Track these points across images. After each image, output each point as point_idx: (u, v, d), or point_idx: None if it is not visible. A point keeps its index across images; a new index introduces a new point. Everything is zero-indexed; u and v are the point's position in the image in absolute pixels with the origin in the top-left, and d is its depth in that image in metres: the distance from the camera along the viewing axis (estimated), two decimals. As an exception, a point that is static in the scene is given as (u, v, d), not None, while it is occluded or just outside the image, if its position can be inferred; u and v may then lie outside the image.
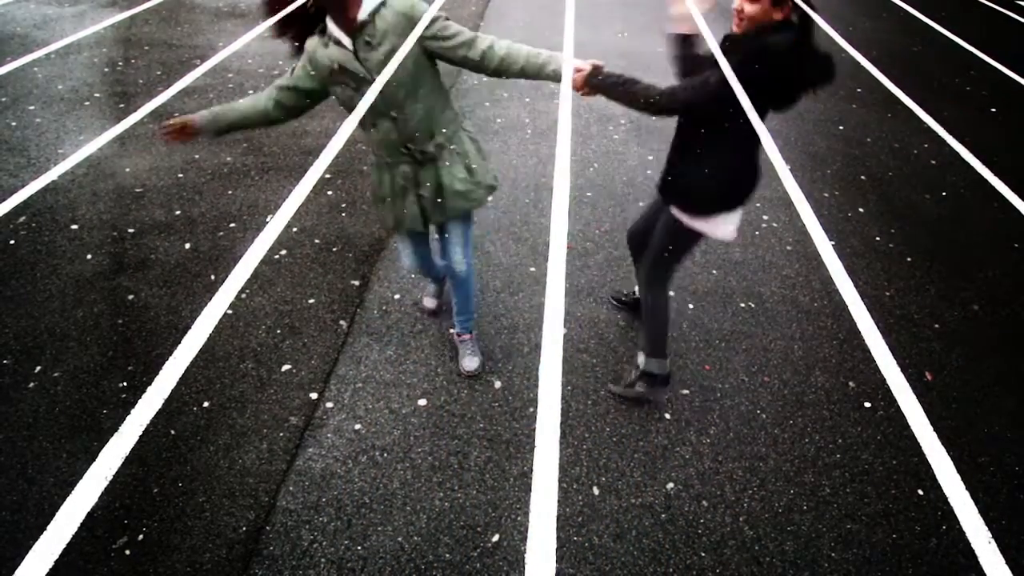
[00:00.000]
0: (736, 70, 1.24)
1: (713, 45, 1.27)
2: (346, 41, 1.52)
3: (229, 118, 1.67)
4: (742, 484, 1.92)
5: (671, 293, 2.61)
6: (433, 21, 1.54)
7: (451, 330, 2.35)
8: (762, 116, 1.50)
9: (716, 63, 1.37)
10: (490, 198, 1.89)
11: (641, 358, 2.04)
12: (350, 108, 1.62)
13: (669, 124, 1.86)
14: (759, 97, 1.39)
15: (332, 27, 1.52)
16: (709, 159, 1.66)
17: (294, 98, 1.66)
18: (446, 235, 1.95)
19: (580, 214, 3.10)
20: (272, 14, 1.46)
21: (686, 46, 1.71)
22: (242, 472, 1.88)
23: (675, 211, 1.79)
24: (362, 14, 1.49)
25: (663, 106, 1.51)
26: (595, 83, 1.55)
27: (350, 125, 0.83)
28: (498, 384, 2.20)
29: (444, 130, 1.73)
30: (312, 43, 1.57)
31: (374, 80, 1.54)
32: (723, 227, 1.76)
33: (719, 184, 1.69)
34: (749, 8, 1.47)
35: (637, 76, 1.55)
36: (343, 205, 3.13)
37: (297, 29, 1.56)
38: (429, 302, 2.47)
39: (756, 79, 1.36)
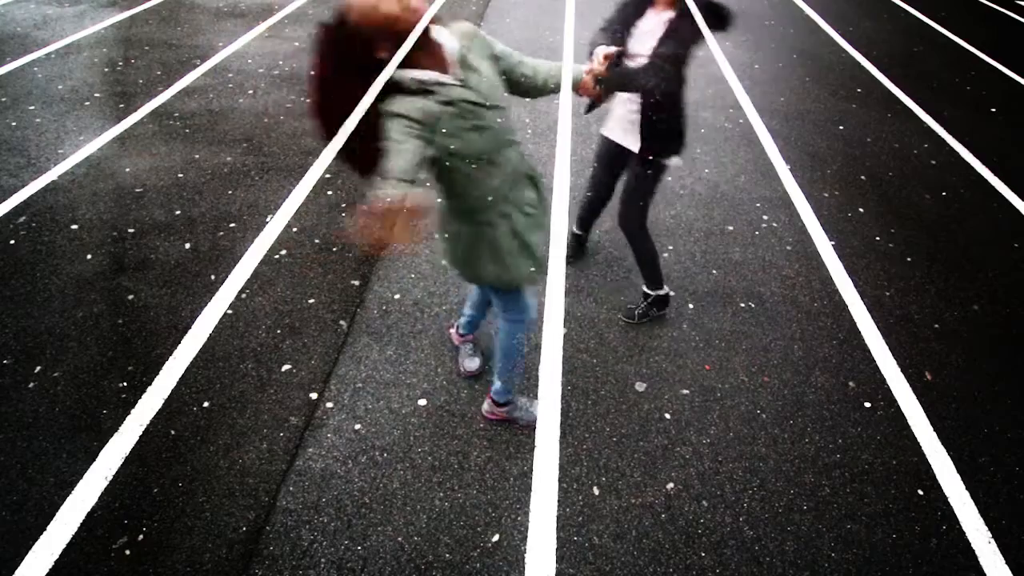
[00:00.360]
0: (689, 33, 1.84)
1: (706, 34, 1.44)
2: (448, 79, 1.32)
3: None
4: (742, 484, 1.92)
5: (671, 293, 2.62)
6: (492, 41, 1.47)
7: (451, 331, 2.35)
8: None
9: (642, 33, 1.95)
10: None
11: (646, 290, 2.47)
12: (481, 150, 1.41)
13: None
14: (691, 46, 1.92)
15: (424, 75, 1.30)
16: (674, 111, 2.09)
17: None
18: None
19: (580, 214, 3.10)
20: (331, 127, 1.17)
21: (618, 70, 1.93)
22: (242, 472, 1.88)
23: (642, 155, 2.15)
24: (452, 46, 1.35)
25: (663, 81, 1.87)
26: (603, 86, 1.66)
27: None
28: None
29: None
30: (407, 104, 1.28)
31: (497, 105, 1.40)
32: (677, 159, 2.21)
33: (681, 127, 2.14)
34: None
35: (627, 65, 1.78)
36: (343, 205, 3.13)
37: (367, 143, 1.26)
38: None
39: (694, 32, 1.83)
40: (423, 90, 1.31)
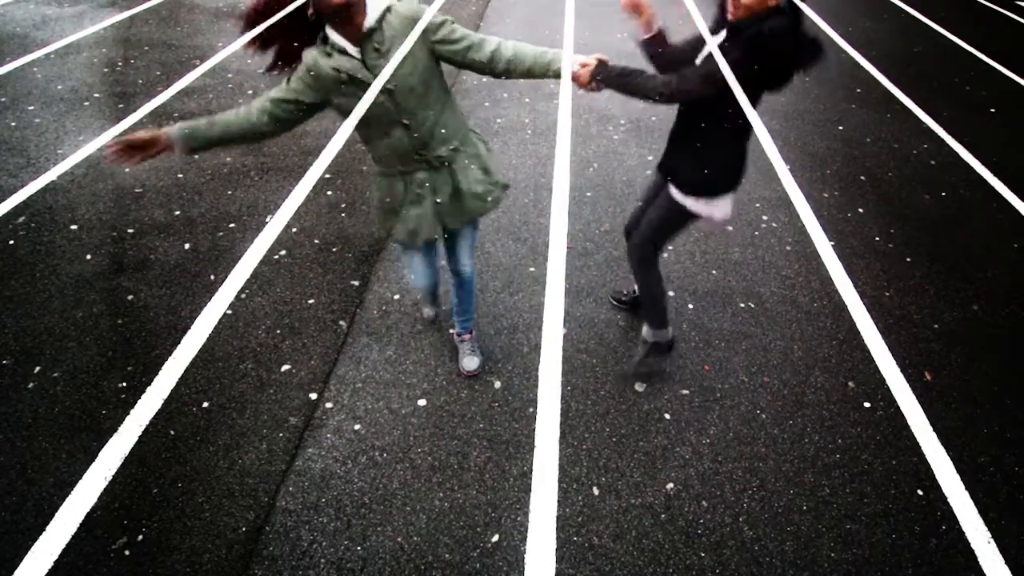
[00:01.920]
0: (742, 57, 1.40)
1: (704, 32, 1.32)
2: (352, 50, 1.47)
3: (210, 134, 1.53)
4: (742, 484, 1.92)
5: (671, 293, 2.62)
6: (441, 24, 1.52)
7: (451, 330, 2.35)
8: (758, 100, 1.61)
9: (704, 52, 1.55)
10: (499, 196, 1.86)
11: (647, 331, 2.17)
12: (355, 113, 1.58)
13: (668, 123, 1.87)
14: (758, 82, 1.54)
15: (335, 36, 1.46)
16: (710, 143, 1.73)
17: (291, 111, 1.56)
18: (456, 239, 1.93)
19: (580, 214, 3.10)
20: (253, 26, 1.37)
21: (657, 46, 1.78)
22: (242, 472, 1.88)
23: (676, 194, 1.83)
24: (369, 21, 1.45)
25: (672, 95, 1.57)
26: (601, 77, 1.57)
27: (349, 126, 0.83)
28: (498, 384, 2.20)
29: (455, 133, 1.70)
30: (312, 54, 1.50)
31: (388, 87, 1.51)
32: (721, 208, 1.83)
33: (719, 168, 1.76)
34: None
35: (640, 68, 1.59)
36: (343, 205, 3.12)
37: (284, 40, 1.48)
38: (429, 310, 2.43)
39: (757, 64, 1.47)
40: (325, 47, 1.49)
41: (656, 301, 2.08)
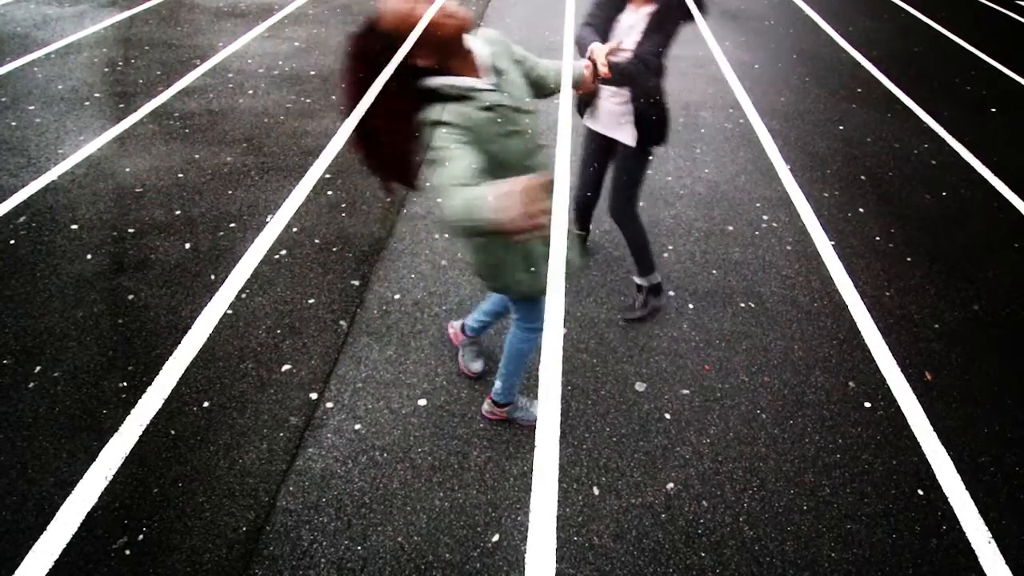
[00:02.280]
0: (671, 27, 1.94)
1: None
2: (484, 83, 1.32)
3: None
4: (742, 484, 1.92)
5: (671, 293, 2.63)
6: (514, 47, 1.47)
7: (450, 331, 2.34)
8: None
9: (632, 24, 1.97)
10: None
11: (638, 279, 2.51)
12: (520, 157, 1.41)
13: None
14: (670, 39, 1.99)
15: (460, 81, 1.29)
16: (659, 102, 2.15)
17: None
18: None
19: (580, 214, 3.10)
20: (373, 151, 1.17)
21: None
22: (242, 472, 1.88)
23: (633, 145, 2.19)
24: (484, 53, 1.35)
25: (647, 72, 1.93)
26: (610, 67, 1.73)
27: (348, 128, 0.83)
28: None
29: None
30: (453, 113, 1.26)
31: (528, 109, 1.41)
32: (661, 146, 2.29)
33: (666, 116, 2.20)
34: None
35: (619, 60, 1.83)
36: (343, 205, 3.13)
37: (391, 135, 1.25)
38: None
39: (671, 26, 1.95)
40: (462, 96, 1.29)
41: (642, 249, 2.44)
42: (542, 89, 1.56)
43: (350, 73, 1.23)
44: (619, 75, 1.85)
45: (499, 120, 1.33)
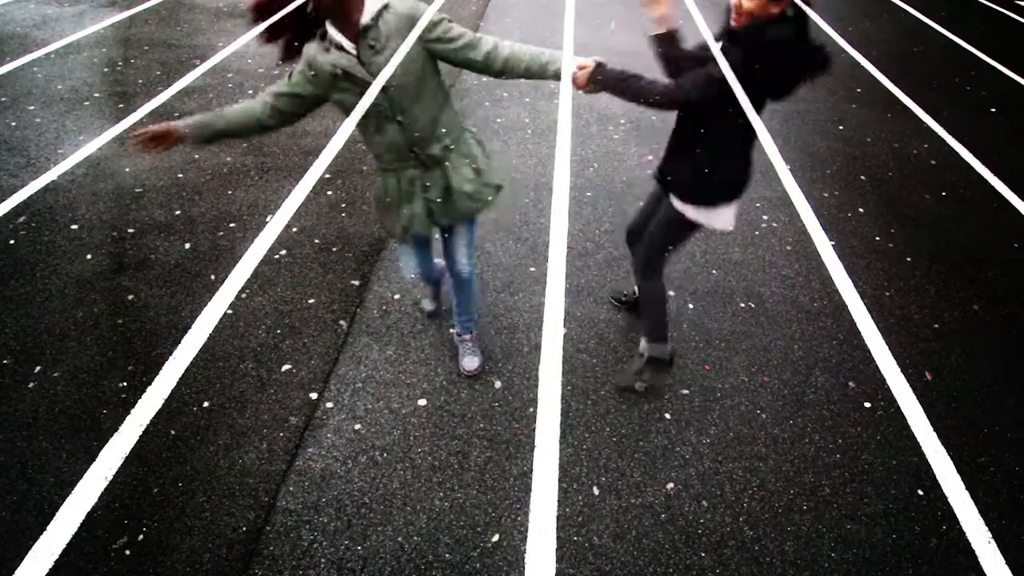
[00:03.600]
0: (740, 63, 1.35)
1: (708, 37, 1.29)
2: (349, 46, 1.49)
3: (217, 126, 1.60)
4: (742, 484, 1.92)
5: (671, 293, 2.62)
6: (437, 23, 1.53)
7: (451, 330, 2.35)
8: (760, 107, 1.56)
9: (708, 56, 1.45)
10: (490, 198, 1.87)
11: (644, 345, 2.09)
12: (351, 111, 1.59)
13: (668, 123, 1.87)
14: (760, 89, 1.50)
15: (333, 32, 1.48)
16: (710, 151, 1.69)
17: (293, 104, 1.61)
18: (452, 237, 1.95)
19: (580, 214, 3.10)
20: (262, 19, 1.38)
21: (668, 44, 1.73)
22: (242, 472, 1.88)
23: (676, 202, 1.81)
24: (365, 17, 1.46)
25: (668, 101, 1.56)
26: (599, 80, 1.55)
27: (350, 126, 0.83)
28: (498, 384, 2.20)
29: (449, 132, 1.72)
30: (311, 48, 1.52)
31: (388, 85, 1.53)
32: (723, 218, 1.80)
33: (720, 176, 1.73)
34: (748, 3, 1.49)
35: (639, 73, 1.56)
36: (343, 205, 3.13)
37: (290, 33, 1.48)
38: (428, 304, 2.45)
39: (758, 71, 1.44)
40: (324, 43, 1.50)
41: (656, 314, 2.02)
42: (486, 71, 1.61)
43: None
44: (616, 81, 1.54)
45: (338, 77, 1.52)
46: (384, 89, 1.53)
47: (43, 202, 3.00)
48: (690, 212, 1.79)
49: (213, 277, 2.63)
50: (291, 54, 1.56)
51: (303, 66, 1.55)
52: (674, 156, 1.82)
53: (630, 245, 2.21)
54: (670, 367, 2.14)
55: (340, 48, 1.49)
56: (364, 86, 1.52)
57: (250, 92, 4.21)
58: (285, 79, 1.59)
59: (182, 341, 0.51)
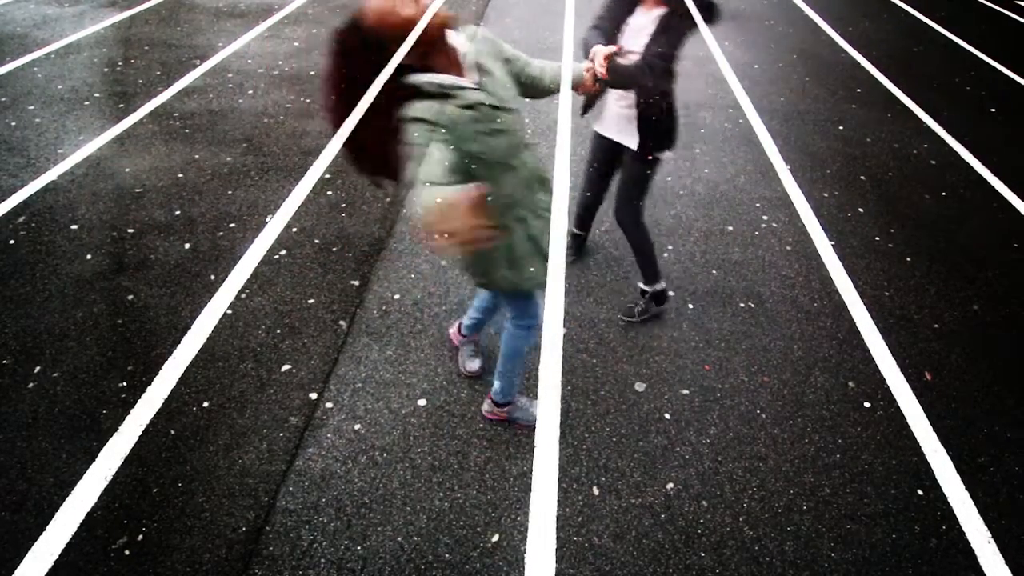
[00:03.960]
0: (681, 30, 1.88)
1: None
2: (467, 81, 1.32)
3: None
4: (742, 484, 1.92)
5: (671, 293, 2.63)
6: (502, 45, 1.46)
7: (451, 331, 2.34)
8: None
9: (641, 27, 1.95)
10: None
11: (643, 285, 2.49)
12: (504, 155, 1.42)
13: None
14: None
15: (443, 78, 1.30)
16: (668, 107, 2.11)
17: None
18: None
19: (580, 214, 3.10)
20: (346, 114, 1.04)
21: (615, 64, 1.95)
22: (242, 472, 1.88)
23: (640, 151, 2.17)
24: (461, 46, 1.35)
25: (653, 79, 1.88)
26: (610, 67, 1.68)
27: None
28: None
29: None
30: (427, 110, 1.27)
31: (511, 108, 1.40)
32: (669, 152, 2.26)
33: (674, 122, 2.18)
34: None
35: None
36: (343, 205, 3.13)
37: (390, 116, 1.26)
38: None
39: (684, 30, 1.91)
40: (442, 94, 1.29)
41: (649, 256, 2.42)
42: (535, 89, 1.56)
43: (335, 72, 1.25)
44: (620, 77, 1.81)
45: (479, 119, 1.33)
46: (510, 112, 1.41)
47: (43, 202, 3.00)
48: (659, 155, 2.22)
49: (213, 277, 2.63)
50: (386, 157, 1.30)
51: (430, 132, 1.27)
52: (647, 113, 2.15)
53: (582, 219, 2.71)
54: (666, 300, 2.54)
55: (462, 88, 1.31)
56: (492, 117, 1.36)
57: (250, 92, 4.21)
58: (426, 167, 1.25)
59: (182, 341, 0.51)
